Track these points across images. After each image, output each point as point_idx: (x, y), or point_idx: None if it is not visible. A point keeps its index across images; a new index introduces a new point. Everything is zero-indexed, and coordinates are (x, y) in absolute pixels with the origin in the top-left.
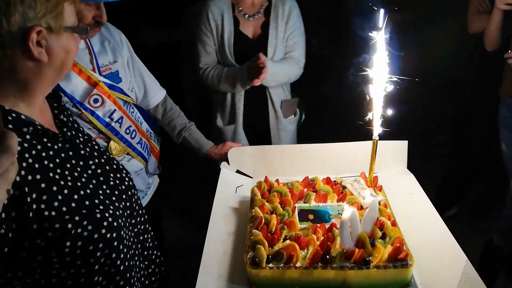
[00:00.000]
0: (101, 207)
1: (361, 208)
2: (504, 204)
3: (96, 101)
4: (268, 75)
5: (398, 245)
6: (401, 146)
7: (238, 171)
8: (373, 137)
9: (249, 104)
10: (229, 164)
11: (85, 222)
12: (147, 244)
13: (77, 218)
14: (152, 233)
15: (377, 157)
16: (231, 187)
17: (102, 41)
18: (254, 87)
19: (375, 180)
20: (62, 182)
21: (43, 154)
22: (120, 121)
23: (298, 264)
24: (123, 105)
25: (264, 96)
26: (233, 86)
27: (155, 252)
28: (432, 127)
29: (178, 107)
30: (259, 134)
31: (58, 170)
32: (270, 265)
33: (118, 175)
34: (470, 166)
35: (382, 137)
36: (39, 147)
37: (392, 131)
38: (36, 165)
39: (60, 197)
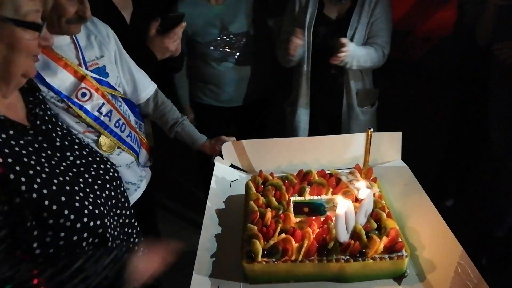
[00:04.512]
0: (81, 194)
1: (356, 200)
2: (500, 195)
3: (84, 95)
4: (351, 57)
5: (394, 236)
6: (395, 137)
7: (232, 166)
8: (367, 128)
9: (322, 89)
10: (223, 158)
11: (66, 212)
12: (132, 239)
13: (54, 207)
14: (138, 228)
15: (372, 148)
16: (225, 182)
17: (88, 35)
18: (332, 72)
19: (370, 171)
20: (38, 168)
21: (12, 142)
22: (109, 114)
23: (293, 258)
24: (112, 99)
25: (341, 81)
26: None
27: (141, 249)
28: (426, 118)
29: (170, 101)
30: (329, 121)
31: (33, 157)
32: (266, 259)
33: (102, 166)
34: (466, 157)
35: (376, 128)
36: (3, 136)
37: (386, 123)
38: (6, 150)
39: (38, 180)
